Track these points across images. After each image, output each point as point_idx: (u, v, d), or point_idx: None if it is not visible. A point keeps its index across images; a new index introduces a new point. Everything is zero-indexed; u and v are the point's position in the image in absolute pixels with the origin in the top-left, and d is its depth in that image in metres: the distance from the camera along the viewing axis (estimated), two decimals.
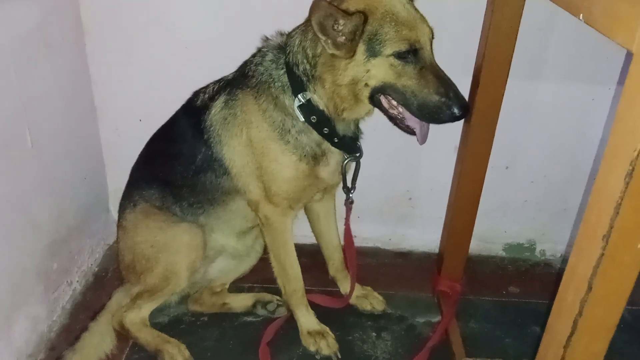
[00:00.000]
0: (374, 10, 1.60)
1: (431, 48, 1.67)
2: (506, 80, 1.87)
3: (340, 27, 1.59)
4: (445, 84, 1.62)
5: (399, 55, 1.60)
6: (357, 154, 1.92)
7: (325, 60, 1.67)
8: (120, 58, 2.29)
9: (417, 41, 1.61)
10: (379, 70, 1.62)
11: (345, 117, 1.77)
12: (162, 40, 2.25)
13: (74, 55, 2.22)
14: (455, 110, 1.60)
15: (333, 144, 1.84)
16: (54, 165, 2.10)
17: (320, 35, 1.60)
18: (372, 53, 1.60)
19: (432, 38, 1.67)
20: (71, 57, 2.20)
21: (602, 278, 0.96)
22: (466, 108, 1.62)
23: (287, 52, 1.78)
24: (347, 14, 1.57)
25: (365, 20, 1.58)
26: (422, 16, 1.66)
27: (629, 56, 0.87)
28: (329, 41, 1.61)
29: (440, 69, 1.65)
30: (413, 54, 1.61)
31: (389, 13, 1.61)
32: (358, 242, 2.46)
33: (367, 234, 2.63)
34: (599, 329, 1.04)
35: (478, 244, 2.55)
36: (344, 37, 1.60)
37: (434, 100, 1.61)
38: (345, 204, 2.03)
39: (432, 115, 1.63)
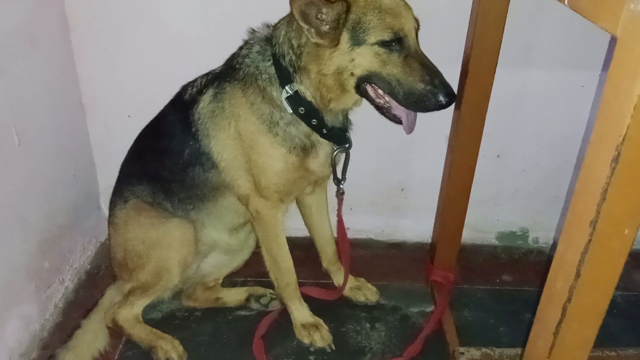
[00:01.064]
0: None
1: (416, 36, 1.66)
2: (495, 69, 1.86)
3: (323, 16, 1.58)
4: (430, 72, 1.61)
5: (384, 44, 1.59)
6: (347, 145, 1.91)
7: (310, 49, 1.66)
8: (108, 54, 2.27)
9: (401, 29, 1.60)
10: (364, 58, 1.61)
11: (333, 107, 1.76)
12: (149, 35, 2.23)
13: (61, 52, 2.19)
14: (441, 98, 1.59)
15: (322, 135, 1.83)
16: (43, 164, 2.08)
17: (303, 24, 1.58)
18: (356, 41, 1.59)
19: (418, 27, 1.66)
20: (57, 54, 2.17)
21: (590, 264, 0.96)
22: (452, 96, 1.61)
23: (273, 43, 1.76)
24: (330, 1, 1.55)
25: (348, 9, 1.57)
26: (406, 4, 1.65)
27: (613, 41, 0.86)
28: (312, 30, 1.59)
29: (425, 57, 1.65)
30: (398, 42, 1.60)
31: (373, 1, 1.59)
32: (351, 234, 2.46)
33: (360, 226, 2.63)
34: (588, 315, 1.04)
35: (471, 233, 2.56)
36: (327, 26, 1.59)
37: (419, 88, 1.60)
38: (336, 196, 2.03)
39: (418, 103, 1.63)
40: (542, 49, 2.21)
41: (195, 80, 1.97)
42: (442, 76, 1.62)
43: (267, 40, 1.81)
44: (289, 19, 1.74)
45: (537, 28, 2.17)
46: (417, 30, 1.66)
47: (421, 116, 2.33)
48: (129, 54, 2.27)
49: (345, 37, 1.59)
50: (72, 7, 2.17)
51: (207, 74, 1.95)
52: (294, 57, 1.72)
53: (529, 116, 2.36)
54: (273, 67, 1.77)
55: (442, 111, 2.17)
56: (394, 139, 2.34)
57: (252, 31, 1.87)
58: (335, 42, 1.60)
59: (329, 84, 1.68)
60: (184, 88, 1.99)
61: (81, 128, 2.38)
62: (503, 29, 1.79)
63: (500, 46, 1.82)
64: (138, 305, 2.05)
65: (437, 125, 2.26)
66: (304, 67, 1.70)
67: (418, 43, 1.66)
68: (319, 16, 1.58)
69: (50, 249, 2.12)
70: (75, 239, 2.34)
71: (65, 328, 2.08)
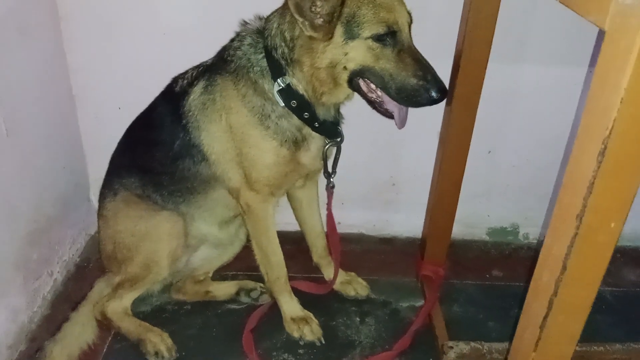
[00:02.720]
0: None
1: (409, 31, 1.66)
2: (486, 65, 1.86)
3: (318, 9, 1.57)
4: (423, 67, 1.61)
5: (377, 38, 1.59)
6: (338, 139, 1.91)
7: (303, 42, 1.66)
8: (98, 45, 2.25)
9: (395, 23, 1.59)
10: (357, 52, 1.61)
11: (325, 101, 1.76)
12: (140, 26, 2.22)
13: (50, 41, 2.17)
14: (433, 93, 1.60)
15: (314, 128, 1.82)
16: (32, 154, 2.06)
17: (297, 17, 1.58)
18: (350, 35, 1.59)
19: (411, 22, 1.66)
20: (47, 43, 2.15)
21: (576, 258, 0.96)
22: (444, 91, 1.62)
23: (266, 35, 1.76)
24: None
25: (343, 2, 1.57)
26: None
27: (601, 36, 0.86)
28: (307, 23, 1.59)
29: (418, 52, 1.65)
30: (391, 37, 1.60)
31: None
32: (342, 229, 2.47)
33: (351, 221, 2.63)
34: (574, 308, 1.04)
35: (461, 229, 2.56)
36: (321, 19, 1.58)
37: (412, 83, 1.61)
38: (326, 189, 2.03)
39: (410, 98, 1.63)
40: (534, 45, 2.22)
41: (186, 72, 1.95)
42: (435, 71, 1.62)
43: (259, 33, 1.80)
44: (282, 11, 1.73)
45: (528, 24, 2.17)
46: (410, 24, 1.66)
47: (412, 111, 2.32)
48: (119, 45, 2.25)
49: (339, 30, 1.59)
50: None
51: (198, 66, 1.94)
52: (286, 50, 1.71)
53: (520, 112, 2.36)
54: (265, 59, 1.76)
55: (434, 106, 2.18)
56: (385, 133, 2.34)
57: (244, 23, 1.86)
58: (329, 36, 1.60)
59: (322, 77, 1.68)
60: (175, 80, 1.98)
61: (71, 119, 2.37)
62: (495, 25, 1.79)
63: (491, 42, 1.82)
64: (127, 298, 2.04)
65: (428, 120, 2.25)
66: (296, 59, 1.70)
67: (411, 38, 1.66)
68: (313, 9, 1.57)
69: (39, 241, 2.11)
70: (65, 231, 2.33)
71: (53, 320, 2.06)
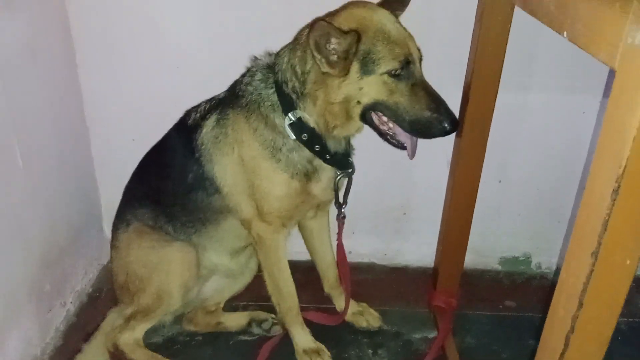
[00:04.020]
0: (366, 29, 1.62)
1: (420, 65, 1.68)
2: (496, 94, 1.87)
3: (333, 46, 1.60)
4: (435, 100, 1.64)
5: (392, 74, 1.61)
6: (349, 170, 1.92)
7: (317, 78, 1.68)
8: (112, 76, 2.29)
9: (408, 58, 1.62)
10: (372, 88, 1.63)
11: (337, 134, 1.78)
12: (154, 58, 2.26)
13: (65, 73, 2.21)
14: (446, 125, 1.63)
15: (325, 160, 1.84)
16: (45, 186, 2.09)
17: (316, 54, 1.60)
18: (366, 71, 1.62)
19: (421, 58, 1.69)
20: (61, 74, 2.19)
21: (592, 295, 0.96)
22: (456, 123, 1.65)
23: (276, 70, 1.79)
24: (342, 32, 1.58)
25: (359, 39, 1.60)
26: (410, 35, 1.68)
27: (612, 70, 0.88)
28: (323, 60, 1.62)
29: (429, 85, 1.67)
30: (405, 71, 1.62)
31: (381, 32, 1.62)
32: (353, 258, 2.46)
33: (362, 250, 2.63)
34: (591, 344, 1.03)
35: (473, 258, 2.54)
36: (336, 56, 1.61)
37: (425, 116, 1.63)
38: (337, 219, 2.03)
39: (423, 130, 1.66)
40: (543, 76, 2.23)
41: (199, 106, 1.99)
42: (446, 104, 1.65)
43: (269, 68, 1.83)
44: (292, 46, 1.77)
45: (538, 53, 2.19)
46: (420, 60, 1.69)
47: (421, 140, 2.35)
48: (133, 76, 2.29)
49: (355, 67, 1.62)
50: (77, 29, 2.20)
51: (210, 100, 1.97)
52: (297, 84, 1.74)
53: (530, 142, 2.37)
54: (276, 94, 1.79)
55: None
56: (395, 162, 2.34)
57: (255, 59, 1.90)
58: (346, 72, 1.62)
59: (335, 111, 1.70)
60: (188, 113, 2.01)
61: (84, 150, 2.40)
62: (504, 55, 1.81)
63: (500, 73, 1.84)
64: (139, 329, 2.04)
65: (438, 148, 2.26)
66: (308, 93, 1.72)
67: (422, 71, 1.69)
68: (328, 46, 1.60)
69: (51, 271, 2.12)
70: (77, 261, 2.34)
71: (66, 352, 2.06)
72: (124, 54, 2.26)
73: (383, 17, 1.65)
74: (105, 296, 2.38)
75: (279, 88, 1.77)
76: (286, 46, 1.81)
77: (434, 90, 1.67)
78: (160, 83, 2.29)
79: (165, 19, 2.22)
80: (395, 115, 1.67)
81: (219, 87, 1.98)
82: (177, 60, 2.25)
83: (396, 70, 1.61)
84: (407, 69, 1.62)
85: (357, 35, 1.59)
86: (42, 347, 2.04)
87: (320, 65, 1.63)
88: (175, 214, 2.00)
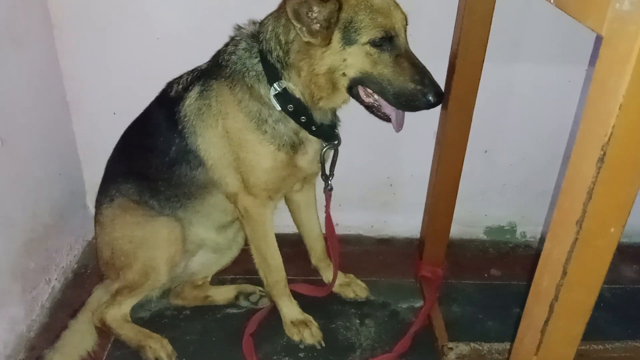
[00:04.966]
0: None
1: (405, 35, 1.65)
2: (482, 65, 1.86)
3: (315, 15, 1.57)
4: (420, 71, 1.62)
5: (375, 43, 1.58)
6: (336, 142, 1.91)
7: (300, 47, 1.65)
8: (92, 51, 2.23)
9: (392, 28, 1.59)
10: (355, 58, 1.61)
11: (322, 105, 1.75)
12: (133, 32, 2.20)
13: (43, 49, 2.16)
14: (430, 97, 1.61)
15: (311, 132, 1.82)
16: (27, 163, 2.05)
17: (295, 23, 1.57)
18: (348, 41, 1.59)
19: (406, 24, 1.66)
20: (40, 51, 2.14)
21: (576, 263, 0.97)
22: (440, 95, 1.63)
23: (260, 39, 1.75)
24: (322, 0, 1.54)
25: (340, 7, 1.56)
26: (395, 2, 1.65)
27: (599, 38, 0.86)
28: (304, 29, 1.58)
29: (414, 56, 1.65)
30: (388, 42, 1.60)
31: (363, 0, 1.59)
32: (340, 230, 2.46)
33: (349, 222, 2.63)
34: (575, 312, 1.05)
35: (459, 228, 2.56)
36: (318, 25, 1.58)
37: (409, 88, 1.61)
38: (324, 192, 2.02)
39: (407, 102, 1.64)
40: (529, 45, 2.22)
41: (181, 77, 1.94)
42: (431, 75, 1.63)
43: (253, 37, 1.79)
44: (277, 14, 1.73)
45: (523, 23, 2.17)
46: (405, 27, 1.66)
47: (409, 112, 2.33)
48: (113, 51, 2.24)
49: (337, 36, 1.59)
50: (55, 3, 2.13)
51: (192, 71, 1.93)
52: (281, 54, 1.70)
53: (516, 111, 2.37)
54: (260, 64, 1.75)
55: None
56: (382, 135, 2.33)
57: (238, 27, 1.85)
58: (327, 41, 1.59)
59: (321, 83, 1.68)
60: (170, 85, 1.97)
61: (66, 126, 2.35)
62: (490, 25, 1.79)
63: (487, 42, 1.82)
64: (126, 305, 2.04)
65: (425, 121, 2.25)
66: (292, 64, 1.69)
67: (407, 42, 1.66)
68: (309, 14, 1.57)
69: (36, 249, 2.10)
70: (62, 238, 2.32)
71: (52, 329, 2.05)
72: (103, 27, 2.19)
73: None
74: (90, 272, 2.36)
75: (264, 58, 1.74)
76: (271, 14, 1.77)
77: (419, 62, 1.64)
78: (141, 55, 2.24)
79: None
80: (379, 88, 1.65)
81: (201, 58, 1.93)
82: (158, 32, 2.19)
83: (379, 40, 1.58)
84: (391, 38, 1.60)
85: (337, 3, 1.56)
86: (28, 325, 2.03)
87: (301, 34, 1.60)
88: (160, 188, 1.98)
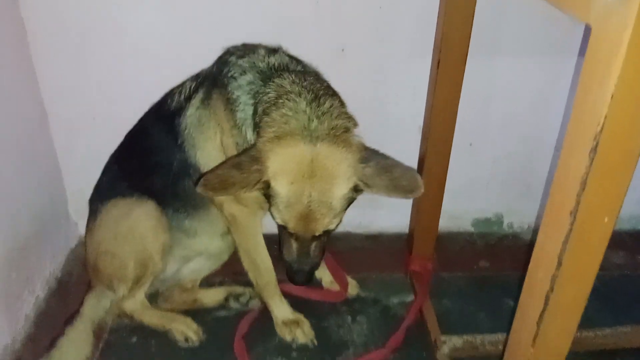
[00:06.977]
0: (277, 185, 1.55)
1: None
2: (466, 58, 1.86)
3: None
4: (299, 260, 1.70)
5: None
6: None
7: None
8: (68, 59, 2.15)
9: (292, 229, 1.63)
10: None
11: None
12: (109, 34, 2.12)
13: (17, 57, 2.08)
14: (293, 280, 1.76)
15: None
16: (4, 173, 1.98)
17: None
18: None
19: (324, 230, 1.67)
20: (14, 59, 2.06)
21: (571, 253, 0.97)
22: (297, 284, 1.79)
23: (260, 92, 1.68)
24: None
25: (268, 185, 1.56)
26: (315, 216, 1.62)
27: (588, 29, 0.86)
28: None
29: (309, 246, 1.69)
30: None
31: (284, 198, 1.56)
32: None
33: None
34: (571, 302, 1.05)
35: (447, 221, 2.55)
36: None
37: (287, 262, 1.74)
38: None
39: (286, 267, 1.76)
40: (514, 37, 2.20)
41: (183, 84, 1.93)
42: (306, 268, 1.73)
43: (261, 75, 1.72)
44: (276, 95, 1.64)
45: (509, 15, 2.15)
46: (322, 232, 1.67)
47: (393, 107, 2.33)
48: (90, 58, 2.15)
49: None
50: (28, 12, 2.05)
51: (196, 76, 1.92)
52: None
53: (501, 104, 2.36)
54: (251, 112, 1.70)
55: (415, 101, 2.18)
56: (367, 131, 2.31)
57: (253, 51, 1.81)
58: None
59: None
60: (170, 93, 1.94)
61: (44, 133, 2.28)
62: (473, 19, 1.79)
63: (470, 36, 1.82)
64: (139, 294, 2.06)
65: (410, 115, 2.25)
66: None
67: (315, 237, 1.68)
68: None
69: (17, 260, 2.04)
70: (44, 247, 2.26)
71: (37, 339, 2.00)
72: (79, 32, 2.10)
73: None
74: (75, 280, 2.30)
75: (254, 112, 1.69)
76: (300, 75, 1.70)
77: (307, 252, 1.69)
78: (118, 59, 2.17)
79: None
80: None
81: (177, 63, 1.91)
82: (135, 37, 2.13)
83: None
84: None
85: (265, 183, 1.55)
86: (12, 336, 1.97)
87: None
88: (167, 201, 1.99)
